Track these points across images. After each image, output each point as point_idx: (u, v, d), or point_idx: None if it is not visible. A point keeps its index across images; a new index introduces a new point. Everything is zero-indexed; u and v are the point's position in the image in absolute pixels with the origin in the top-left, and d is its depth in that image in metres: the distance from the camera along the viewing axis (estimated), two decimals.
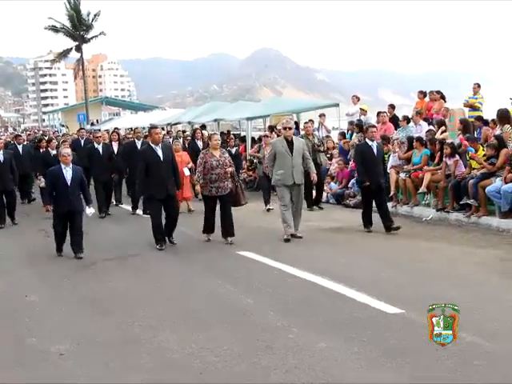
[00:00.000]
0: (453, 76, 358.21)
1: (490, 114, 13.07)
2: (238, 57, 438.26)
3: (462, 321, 4.38)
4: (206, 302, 6.59)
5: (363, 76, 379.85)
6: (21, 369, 4.97)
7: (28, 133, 38.06)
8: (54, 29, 44.82)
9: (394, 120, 14.97)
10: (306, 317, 5.91)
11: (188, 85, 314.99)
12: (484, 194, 10.11)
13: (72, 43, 45.64)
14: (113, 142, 14.97)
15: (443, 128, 12.72)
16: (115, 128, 25.46)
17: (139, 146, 13.54)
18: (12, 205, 12.72)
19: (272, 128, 17.09)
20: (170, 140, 16.44)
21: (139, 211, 12.98)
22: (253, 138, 19.06)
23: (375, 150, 10.23)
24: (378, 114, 15.02)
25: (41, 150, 15.85)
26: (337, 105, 19.86)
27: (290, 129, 9.93)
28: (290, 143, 9.78)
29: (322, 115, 18.25)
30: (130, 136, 17.48)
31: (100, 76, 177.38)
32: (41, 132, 39.43)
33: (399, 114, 15.78)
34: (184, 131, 22.52)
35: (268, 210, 12.89)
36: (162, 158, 9.44)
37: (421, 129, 13.45)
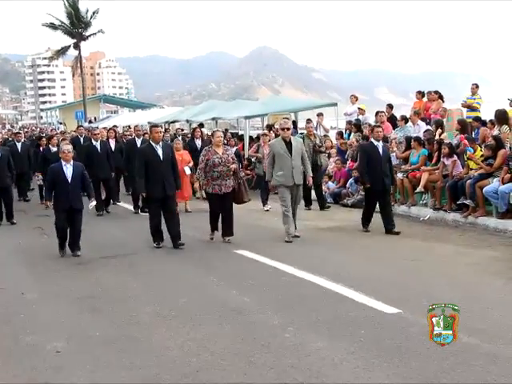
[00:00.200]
0: (451, 76, 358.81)
1: (488, 114, 13.09)
2: (236, 55, 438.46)
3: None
4: (202, 301, 6.58)
5: (361, 75, 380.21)
6: (17, 366, 4.95)
7: (26, 130, 37.97)
8: (53, 26, 44.73)
9: (392, 120, 14.98)
10: (302, 316, 5.90)
11: (186, 83, 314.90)
12: (482, 195, 10.12)
13: (70, 40, 45.59)
14: (110, 140, 14.93)
15: (440, 131, 12.69)
16: (113, 126, 25.44)
17: (139, 144, 13.55)
18: (9, 204, 12.47)
19: (270, 127, 17.08)
20: (168, 138, 16.39)
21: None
22: (251, 137, 19.05)
23: (381, 150, 10.11)
24: (377, 113, 15.03)
25: (41, 148, 15.83)
26: (335, 104, 19.86)
27: (288, 129, 9.85)
28: (289, 144, 9.70)
29: (320, 114, 18.25)
30: (128, 133, 17.43)
31: (98, 74, 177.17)
32: (38, 129, 39.35)
33: (397, 113, 15.77)
34: (182, 129, 22.50)
35: (266, 210, 12.86)
36: (161, 157, 9.35)
37: (419, 129, 13.46)
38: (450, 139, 12.07)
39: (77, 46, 45.54)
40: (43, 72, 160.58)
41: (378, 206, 10.32)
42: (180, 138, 15.98)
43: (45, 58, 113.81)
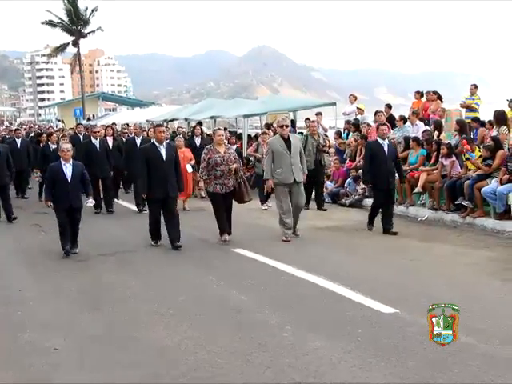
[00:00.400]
0: (449, 77, 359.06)
1: (486, 115, 13.09)
2: (236, 54, 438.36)
3: None
4: (199, 299, 6.58)
5: (360, 75, 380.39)
6: (15, 364, 4.95)
7: (24, 127, 37.91)
8: (52, 23, 44.72)
9: (391, 120, 14.97)
10: (300, 315, 5.91)
11: (185, 81, 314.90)
12: (480, 196, 10.12)
13: (69, 38, 45.63)
14: (107, 137, 14.88)
15: (437, 133, 12.67)
16: (112, 123, 25.41)
17: (139, 143, 13.51)
18: (7, 201, 12.40)
19: (268, 126, 17.07)
20: (168, 136, 16.36)
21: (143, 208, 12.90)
22: (249, 136, 19.04)
23: (386, 149, 10.03)
24: (376, 113, 15.02)
25: (41, 145, 15.79)
26: (334, 104, 19.83)
27: (286, 127, 9.80)
28: (287, 141, 9.66)
29: (318, 114, 18.23)
30: (126, 131, 17.38)
31: (97, 71, 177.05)
32: (36, 127, 39.32)
33: (396, 113, 15.77)
34: (181, 127, 22.48)
35: (264, 209, 12.86)
36: (164, 158, 9.24)
37: (417, 129, 13.45)
38: (448, 139, 12.07)
39: (76, 44, 45.57)
40: (42, 69, 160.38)
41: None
42: (181, 135, 15.92)
43: (44, 55, 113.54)
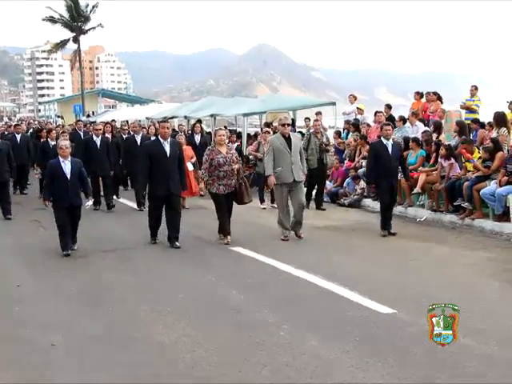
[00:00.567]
0: (449, 78, 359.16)
1: (486, 116, 13.10)
2: (236, 52, 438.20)
3: None
4: (197, 297, 6.58)
5: (360, 75, 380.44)
6: (12, 361, 4.95)
7: (23, 123, 37.81)
8: (52, 19, 44.62)
9: (391, 120, 14.95)
10: (298, 314, 5.91)
11: (184, 79, 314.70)
12: (479, 197, 10.13)
13: (69, 34, 45.46)
14: (106, 134, 14.80)
15: (435, 135, 12.65)
16: (111, 120, 25.37)
17: (139, 141, 13.47)
18: (6, 199, 12.31)
19: (268, 125, 17.05)
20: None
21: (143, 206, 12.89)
22: (248, 134, 19.03)
23: (390, 149, 9.88)
24: (376, 113, 15.02)
25: (41, 140, 15.73)
26: (333, 103, 19.81)
27: (288, 125, 9.75)
28: (288, 140, 9.60)
29: (318, 113, 18.22)
30: (126, 128, 17.32)
31: (97, 68, 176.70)
32: (36, 122, 39.23)
33: (396, 114, 15.76)
34: (182, 125, 22.46)
35: (263, 208, 12.86)
36: (168, 154, 9.16)
37: (417, 129, 13.45)
38: (448, 141, 12.07)
39: (76, 40, 45.43)
40: (42, 65, 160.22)
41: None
42: (182, 133, 15.87)
43: (44, 51, 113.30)
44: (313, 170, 12.45)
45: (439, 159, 11.31)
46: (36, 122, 37.94)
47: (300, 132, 15.96)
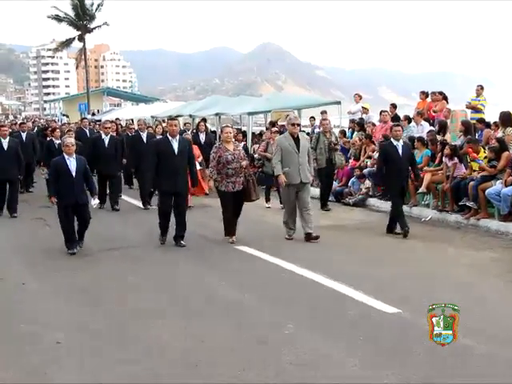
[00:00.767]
0: (454, 77, 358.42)
1: (491, 116, 13.06)
2: (240, 51, 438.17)
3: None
4: (201, 295, 6.58)
5: (364, 74, 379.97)
6: (16, 357, 4.96)
7: (28, 121, 37.87)
8: (58, 18, 44.71)
9: (396, 119, 14.94)
10: (302, 313, 5.91)
11: (189, 78, 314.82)
12: (484, 197, 10.10)
13: (75, 33, 45.55)
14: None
15: (439, 136, 12.60)
16: (116, 118, 25.43)
17: (145, 139, 13.46)
18: (13, 197, 12.30)
19: (273, 123, 17.05)
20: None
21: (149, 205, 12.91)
22: (253, 133, 19.03)
23: (400, 150, 9.70)
24: (381, 112, 15.01)
25: (47, 138, 15.73)
26: (338, 102, 19.79)
27: (297, 125, 9.63)
28: (297, 140, 9.44)
29: (323, 112, 18.21)
30: (132, 126, 17.34)
31: (102, 66, 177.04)
32: (41, 121, 39.32)
33: (400, 113, 15.75)
34: (189, 123, 22.47)
35: (268, 207, 12.81)
36: (176, 152, 9.06)
37: (422, 129, 13.43)
38: (453, 140, 12.04)
39: (81, 38, 45.51)
40: (47, 63, 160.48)
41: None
42: (189, 132, 15.87)
43: (49, 50, 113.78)
44: (322, 170, 12.40)
45: (444, 159, 11.29)
46: (41, 121, 38.00)
47: (303, 131, 15.91)
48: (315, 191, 12.77)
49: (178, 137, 9.22)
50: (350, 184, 13.85)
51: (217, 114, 21.25)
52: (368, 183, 13.30)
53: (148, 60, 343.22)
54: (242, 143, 16.13)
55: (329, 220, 11.31)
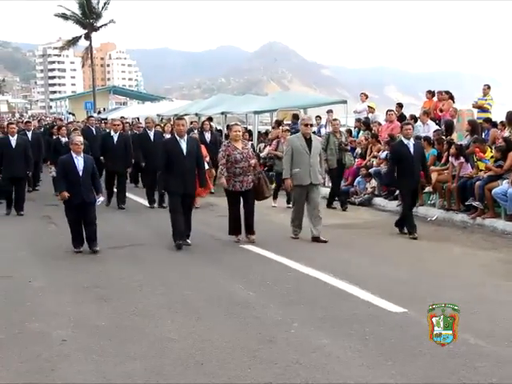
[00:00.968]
0: (461, 77, 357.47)
1: (498, 115, 13.03)
2: (247, 50, 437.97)
3: (463, 322, 4.41)
4: (207, 294, 6.59)
5: (370, 73, 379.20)
6: (23, 353, 4.98)
7: (34, 119, 37.95)
8: (64, 16, 44.85)
9: (402, 119, 14.92)
10: (307, 312, 5.91)
11: (195, 76, 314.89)
12: (490, 197, 10.08)
13: (81, 31, 45.72)
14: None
15: (444, 137, 12.56)
16: (121, 117, 25.44)
17: (152, 137, 13.46)
18: (20, 195, 12.30)
19: (279, 122, 17.05)
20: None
21: (153, 205, 12.96)
22: (259, 132, 19.03)
23: (412, 149, 9.57)
24: (387, 112, 14.99)
25: (54, 137, 15.76)
26: (344, 102, 19.78)
27: (311, 125, 9.51)
28: (309, 141, 9.29)
29: (329, 111, 18.21)
30: (140, 125, 17.33)
31: (108, 65, 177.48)
32: (48, 119, 39.39)
33: (406, 113, 15.73)
34: (196, 122, 22.51)
35: (273, 206, 12.78)
36: (185, 152, 8.88)
37: (428, 128, 13.42)
38: (460, 140, 12.02)
39: (88, 37, 45.67)
40: (54, 62, 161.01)
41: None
42: (196, 131, 15.85)
43: (56, 48, 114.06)
44: (332, 171, 12.36)
45: (450, 158, 11.27)
46: (48, 119, 38.06)
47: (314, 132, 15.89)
48: (324, 190, 12.74)
49: (185, 137, 9.09)
50: (355, 183, 13.84)
51: (223, 113, 21.27)
52: (374, 182, 13.30)
53: (154, 59, 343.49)
54: (250, 143, 16.12)
55: (335, 219, 11.30)
